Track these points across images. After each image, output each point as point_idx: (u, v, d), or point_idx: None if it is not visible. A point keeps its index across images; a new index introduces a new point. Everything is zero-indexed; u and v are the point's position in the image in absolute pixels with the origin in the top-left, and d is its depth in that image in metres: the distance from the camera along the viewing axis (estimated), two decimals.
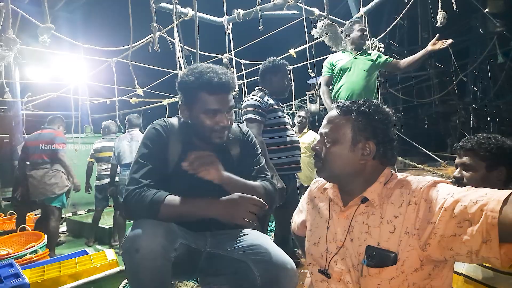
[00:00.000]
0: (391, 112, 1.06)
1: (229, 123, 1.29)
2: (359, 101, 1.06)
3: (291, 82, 2.52)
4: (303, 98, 9.52)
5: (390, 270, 0.92)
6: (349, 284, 1.01)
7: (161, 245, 1.10)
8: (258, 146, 1.52)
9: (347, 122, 1.04)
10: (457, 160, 1.46)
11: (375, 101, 1.08)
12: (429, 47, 2.87)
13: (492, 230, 0.76)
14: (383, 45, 4.96)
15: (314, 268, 1.12)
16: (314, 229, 1.16)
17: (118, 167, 4.00)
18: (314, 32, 3.51)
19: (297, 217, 1.36)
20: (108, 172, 4.32)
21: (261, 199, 1.18)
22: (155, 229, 1.12)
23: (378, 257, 0.94)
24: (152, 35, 4.05)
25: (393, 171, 1.07)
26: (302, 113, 4.61)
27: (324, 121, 1.10)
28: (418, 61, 3.00)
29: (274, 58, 2.50)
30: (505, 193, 0.78)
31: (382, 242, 0.95)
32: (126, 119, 4.20)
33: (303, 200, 1.32)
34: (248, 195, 1.18)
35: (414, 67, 3.14)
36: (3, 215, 5.42)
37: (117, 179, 4.09)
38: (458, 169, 1.44)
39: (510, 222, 0.74)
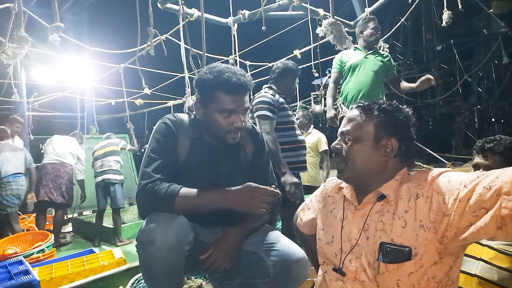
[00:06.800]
0: (410, 112, 1.08)
1: (243, 124, 1.29)
2: (379, 101, 1.07)
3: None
4: (308, 99, 9.50)
5: (408, 265, 0.92)
6: (365, 283, 1.00)
7: (176, 238, 1.12)
8: (267, 152, 1.52)
9: (370, 120, 1.05)
10: (480, 161, 1.43)
11: (394, 101, 1.09)
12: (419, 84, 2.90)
13: (508, 215, 0.76)
14: (387, 46, 4.95)
15: (328, 267, 1.12)
16: (327, 228, 1.16)
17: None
18: (318, 30, 3.49)
19: (303, 214, 1.36)
20: (102, 169, 4.45)
21: (273, 188, 1.20)
22: (170, 222, 1.13)
23: (392, 253, 0.94)
24: (158, 38, 4.09)
25: (409, 172, 1.07)
26: (300, 113, 4.64)
27: (344, 121, 1.10)
28: (413, 90, 3.09)
29: (288, 59, 2.53)
30: None
31: (395, 237, 0.95)
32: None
33: (314, 198, 1.32)
34: (261, 186, 1.19)
35: (408, 92, 3.17)
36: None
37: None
38: (481, 170, 1.40)
39: None
